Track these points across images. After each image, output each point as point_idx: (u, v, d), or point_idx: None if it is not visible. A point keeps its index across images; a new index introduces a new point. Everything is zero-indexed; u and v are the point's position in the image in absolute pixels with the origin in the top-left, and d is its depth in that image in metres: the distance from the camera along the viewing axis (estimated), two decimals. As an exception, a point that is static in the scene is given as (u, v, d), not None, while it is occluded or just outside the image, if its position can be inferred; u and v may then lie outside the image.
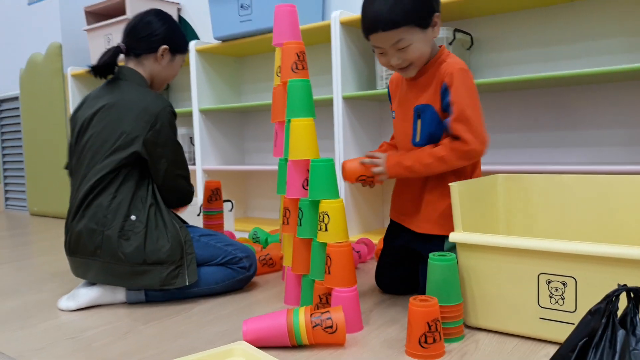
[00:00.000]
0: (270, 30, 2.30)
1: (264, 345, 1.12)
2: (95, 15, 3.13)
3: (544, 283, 1.10)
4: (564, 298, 1.08)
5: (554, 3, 1.92)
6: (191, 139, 2.84)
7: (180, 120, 2.65)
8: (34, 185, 3.62)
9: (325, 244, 1.27)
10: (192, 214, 2.14)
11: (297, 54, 1.43)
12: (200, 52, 2.69)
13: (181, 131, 2.76)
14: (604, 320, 0.74)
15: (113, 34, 2.97)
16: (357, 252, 1.89)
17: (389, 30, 1.26)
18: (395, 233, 1.51)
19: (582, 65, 1.90)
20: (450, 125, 1.28)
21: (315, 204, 1.32)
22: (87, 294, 1.48)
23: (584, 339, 0.75)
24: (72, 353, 1.17)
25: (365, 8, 1.32)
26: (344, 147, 2.18)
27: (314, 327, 1.13)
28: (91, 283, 1.53)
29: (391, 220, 1.54)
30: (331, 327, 1.13)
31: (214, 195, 1.94)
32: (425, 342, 1.06)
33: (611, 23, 1.84)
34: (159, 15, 1.63)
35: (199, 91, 2.70)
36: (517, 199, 1.48)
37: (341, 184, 2.17)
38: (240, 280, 1.57)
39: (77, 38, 3.35)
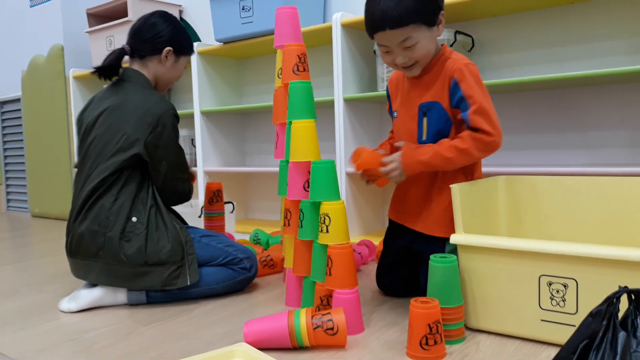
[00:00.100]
0: (271, 32, 2.31)
1: (265, 347, 1.12)
2: (97, 17, 3.14)
3: (545, 285, 1.10)
4: (565, 300, 1.08)
5: (555, 5, 1.92)
6: (192, 141, 2.84)
7: (182, 122, 2.67)
8: (35, 187, 3.62)
9: (326, 246, 1.27)
10: (193, 216, 2.14)
11: (298, 56, 1.43)
12: (202, 54, 2.69)
13: (182, 133, 2.77)
14: (605, 322, 0.74)
15: (115, 36, 2.97)
16: (359, 253, 1.89)
17: (396, 28, 1.25)
18: (396, 234, 1.51)
19: (584, 67, 1.90)
20: (470, 118, 1.27)
21: (317, 205, 1.33)
22: (88, 295, 1.48)
23: (585, 341, 0.75)
24: (73, 354, 1.17)
25: (370, 6, 1.29)
26: (345, 148, 2.18)
27: (315, 328, 1.13)
28: (92, 284, 1.53)
29: (390, 221, 1.53)
30: (332, 328, 1.13)
31: (215, 197, 1.94)
32: (426, 344, 1.06)
33: (613, 24, 1.84)
34: (164, 16, 1.63)
35: (200, 93, 2.70)
36: (519, 201, 1.48)
37: (342, 186, 2.17)
38: (241, 281, 1.57)
39: (79, 40, 3.36)
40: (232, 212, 2.35)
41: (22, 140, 3.80)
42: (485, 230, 1.35)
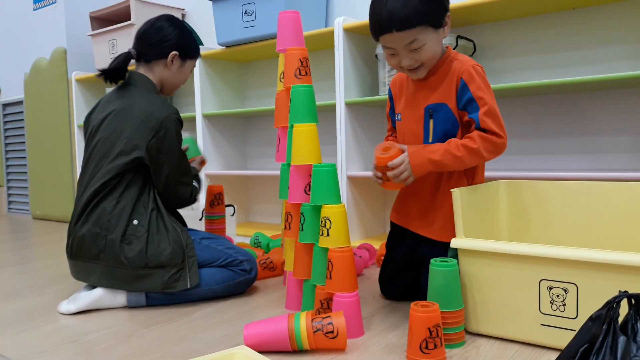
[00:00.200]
0: (273, 36, 2.32)
1: (265, 350, 1.12)
2: (100, 21, 3.15)
3: (545, 289, 1.10)
4: (565, 304, 1.08)
5: (556, 10, 1.93)
6: (194, 144, 2.85)
7: (184, 125, 2.67)
8: (37, 189, 3.63)
9: (326, 249, 1.28)
10: (194, 219, 2.15)
11: (300, 60, 1.44)
12: (204, 58, 2.70)
13: (184, 136, 2.77)
14: (604, 327, 0.74)
15: (118, 39, 2.98)
16: (360, 257, 1.89)
17: (403, 30, 1.23)
18: (399, 238, 1.50)
19: (586, 72, 1.90)
20: (480, 119, 1.26)
21: (317, 209, 1.33)
22: (87, 297, 1.48)
23: (585, 346, 0.75)
24: (73, 356, 1.17)
25: (376, 8, 1.27)
26: (346, 152, 2.19)
27: (315, 332, 1.13)
28: (92, 286, 1.53)
29: (393, 225, 1.53)
30: (332, 332, 1.13)
31: (216, 200, 1.95)
32: (426, 347, 1.06)
33: (615, 30, 1.85)
34: (170, 20, 1.64)
35: (202, 96, 2.71)
36: (519, 206, 1.48)
37: (343, 190, 2.18)
38: (241, 282, 1.57)
39: (82, 43, 3.37)
40: (233, 215, 2.36)
41: (24, 142, 3.81)
42: (485, 235, 1.35)
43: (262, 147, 2.92)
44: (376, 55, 2.15)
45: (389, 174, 1.31)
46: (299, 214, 1.39)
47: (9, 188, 4.09)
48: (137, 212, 1.49)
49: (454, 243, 1.21)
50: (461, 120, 1.33)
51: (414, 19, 1.22)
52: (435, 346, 1.06)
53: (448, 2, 1.31)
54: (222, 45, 2.59)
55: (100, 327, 1.35)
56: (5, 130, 4.04)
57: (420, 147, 1.31)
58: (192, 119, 2.78)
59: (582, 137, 1.94)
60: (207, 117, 2.73)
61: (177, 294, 1.50)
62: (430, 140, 1.36)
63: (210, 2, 2.54)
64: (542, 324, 1.11)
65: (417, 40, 1.25)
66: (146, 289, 1.47)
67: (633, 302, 0.74)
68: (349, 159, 2.20)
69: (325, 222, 1.27)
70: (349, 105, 2.19)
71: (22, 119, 3.78)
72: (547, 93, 1.96)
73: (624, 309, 0.75)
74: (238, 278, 1.56)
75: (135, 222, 1.47)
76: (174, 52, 1.61)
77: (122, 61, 1.58)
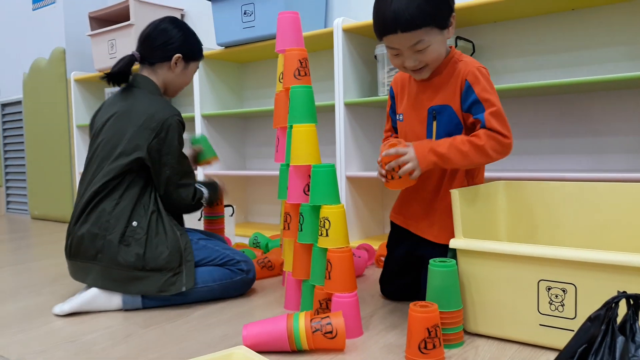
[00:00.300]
0: (273, 37, 2.32)
1: (263, 350, 1.12)
2: (99, 21, 3.15)
3: (544, 290, 1.10)
4: (563, 305, 1.08)
5: (555, 11, 1.93)
6: (193, 144, 2.85)
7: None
8: (35, 189, 3.63)
9: (325, 250, 1.28)
10: (193, 219, 2.14)
11: (299, 61, 1.44)
12: (203, 58, 2.70)
13: (184, 136, 2.77)
14: (603, 327, 0.74)
15: (117, 39, 2.98)
16: (359, 257, 1.89)
17: (409, 31, 1.21)
18: (399, 239, 1.50)
19: (584, 72, 1.90)
20: (486, 118, 1.25)
21: (316, 209, 1.33)
22: (81, 297, 1.47)
23: (584, 346, 0.75)
24: (72, 356, 1.17)
25: (380, 8, 1.24)
26: (346, 153, 2.19)
27: (314, 332, 1.13)
28: (89, 288, 1.53)
29: (393, 225, 1.52)
30: (331, 332, 1.13)
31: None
32: (425, 347, 1.06)
33: (614, 31, 1.85)
34: (174, 22, 1.64)
35: (201, 96, 2.71)
36: (518, 206, 1.48)
37: (342, 190, 2.18)
38: (238, 282, 1.56)
39: (81, 43, 3.37)
40: (231, 215, 2.35)
41: (22, 142, 3.80)
42: (484, 235, 1.35)
43: (261, 147, 2.92)
44: (375, 56, 2.16)
45: (392, 163, 1.24)
46: (298, 214, 1.39)
47: (7, 188, 4.08)
48: (136, 213, 1.49)
49: (453, 243, 1.21)
50: (465, 123, 1.32)
51: (419, 20, 1.21)
52: (434, 346, 1.06)
53: (453, 2, 1.29)
54: (221, 46, 2.59)
55: (98, 327, 1.35)
56: (4, 130, 4.03)
57: (425, 141, 1.30)
58: (191, 119, 2.78)
59: (582, 137, 1.94)
60: (206, 118, 2.73)
61: (173, 296, 1.49)
62: None
63: (210, 2, 2.55)
64: (540, 324, 1.12)
65: (423, 41, 1.24)
66: (141, 291, 1.47)
67: (631, 302, 0.74)
68: (348, 160, 2.20)
69: (324, 222, 1.27)
70: (348, 105, 2.19)
71: (21, 119, 3.78)
72: (546, 94, 1.97)
73: (622, 309, 0.75)
74: (235, 277, 1.56)
75: (134, 223, 1.47)
76: (177, 55, 1.62)
77: (125, 64, 1.59)
